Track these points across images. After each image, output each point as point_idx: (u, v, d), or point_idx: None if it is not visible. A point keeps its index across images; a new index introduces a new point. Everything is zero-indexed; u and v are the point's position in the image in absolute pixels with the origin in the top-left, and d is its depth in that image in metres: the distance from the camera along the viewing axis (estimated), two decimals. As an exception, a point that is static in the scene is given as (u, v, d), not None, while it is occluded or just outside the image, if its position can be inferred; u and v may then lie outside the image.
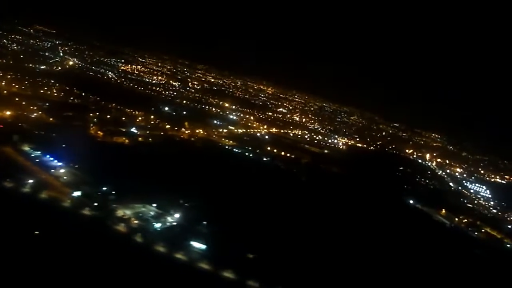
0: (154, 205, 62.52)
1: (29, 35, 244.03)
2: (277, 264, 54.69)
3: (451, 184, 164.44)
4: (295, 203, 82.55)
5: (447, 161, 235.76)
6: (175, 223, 60.25)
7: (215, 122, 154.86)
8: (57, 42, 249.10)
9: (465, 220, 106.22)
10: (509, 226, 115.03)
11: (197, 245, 53.77)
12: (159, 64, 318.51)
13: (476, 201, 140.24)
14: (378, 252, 67.67)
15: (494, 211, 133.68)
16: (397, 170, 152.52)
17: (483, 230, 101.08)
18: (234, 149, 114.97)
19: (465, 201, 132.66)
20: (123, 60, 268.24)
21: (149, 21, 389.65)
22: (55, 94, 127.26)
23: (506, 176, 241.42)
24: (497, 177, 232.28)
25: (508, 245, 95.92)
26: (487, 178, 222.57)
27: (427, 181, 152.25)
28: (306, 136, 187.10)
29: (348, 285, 55.94)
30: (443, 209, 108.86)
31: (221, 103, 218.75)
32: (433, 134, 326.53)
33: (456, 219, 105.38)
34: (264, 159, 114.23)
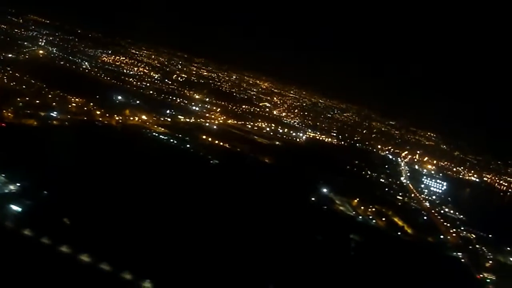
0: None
1: (16, 24, 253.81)
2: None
3: (402, 178, 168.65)
4: (190, 185, 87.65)
5: (426, 159, 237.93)
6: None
7: (168, 112, 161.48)
8: (44, 32, 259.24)
9: (374, 209, 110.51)
10: (424, 217, 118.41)
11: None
12: (152, 56, 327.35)
13: (413, 195, 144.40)
14: (259, 241, 71.27)
15: (427, 204, 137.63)
16: (341, 164, 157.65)
17: (383, 219, 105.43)
18: (160, 136, 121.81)
19: (399, 194, 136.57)
20: (109, 52, 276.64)
21: (156, 14, 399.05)
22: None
23: (487, 176, 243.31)
24: (475, 175, 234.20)
25: (400, 233, 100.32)
26: (460, 176, 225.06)
27: (372, 175, 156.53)
28: (268, 129, 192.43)
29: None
30: (356, 200, 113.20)
31: (195, 95, 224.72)
32: (428, 133, 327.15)
33: (362, 207, 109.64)
34: (188, 145, 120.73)
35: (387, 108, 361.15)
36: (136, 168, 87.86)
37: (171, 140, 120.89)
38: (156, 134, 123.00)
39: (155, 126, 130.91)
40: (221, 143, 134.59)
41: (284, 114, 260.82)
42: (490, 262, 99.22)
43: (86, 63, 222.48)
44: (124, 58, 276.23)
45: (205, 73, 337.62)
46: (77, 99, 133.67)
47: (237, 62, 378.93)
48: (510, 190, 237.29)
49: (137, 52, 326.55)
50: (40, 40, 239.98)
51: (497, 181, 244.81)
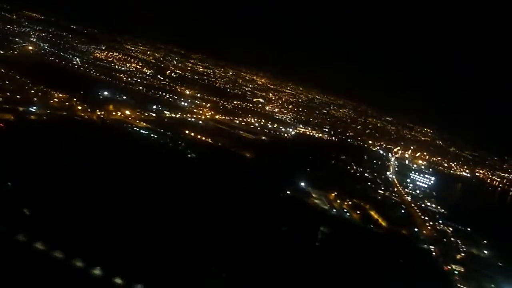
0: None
1: (9, 20, 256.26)
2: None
3: (388, 173, 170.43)
4: (164, 178, 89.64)
5: (418, 154, 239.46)
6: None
7: (154, 107, 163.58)
8: (37, 28, 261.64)
9: (350, 203, 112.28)
10: (402, 211, 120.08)
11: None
12: (148, 52, 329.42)
13: (396, 189, 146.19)
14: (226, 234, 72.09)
15: (409, 198, 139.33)
16: (326, 158, 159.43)
17: (358, 212, 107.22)
18: (141, 130, 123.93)
19: (382, 189, 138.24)
20: (103, 48, 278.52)
21: (156, 10, 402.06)
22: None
23: (480, 171, 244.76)
24: (467, 170, 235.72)
25: (373, 226, 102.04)
26: (451, 172, 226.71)
27: (357, 169, 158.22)
28: (256, 124, 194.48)
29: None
30: (333, 193, 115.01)
31: (186, 91, 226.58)
32: (425, 129, 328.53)
33: (339, 201, 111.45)
34: (168, 140, 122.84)
35: (385, 105, 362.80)
36: (112, 162, 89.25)
37: (151, 135, 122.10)
38: (137, 129, 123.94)
39: (137, 121, 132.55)
40: (203, 138, 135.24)
41: (276, 110, 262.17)
42: (462, 254, 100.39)
43: (77, 59, 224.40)
44: (117, 54, 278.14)
45: (200, 69, 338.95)
46: (60, 95, 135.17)
47: (237, 58, 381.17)
48: (500, 185, 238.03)
49: (133, 48, 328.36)
50: (32, 36, 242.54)
51: (490, 176, 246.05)
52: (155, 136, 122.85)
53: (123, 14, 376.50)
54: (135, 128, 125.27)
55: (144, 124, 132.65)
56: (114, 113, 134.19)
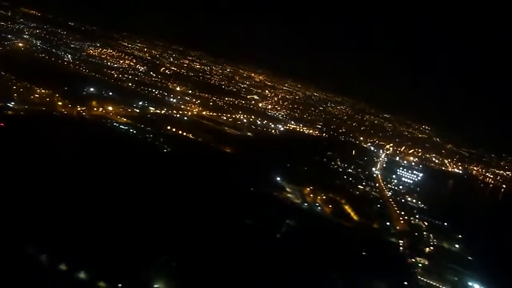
0: None
1: (4, 17, 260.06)
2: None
3: (373, 169, 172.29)
4: (136, 172, 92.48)
5: (411, 151, 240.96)
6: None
7: (140, 103, 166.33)
8: (32, 25, 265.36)
9: (325, 197, 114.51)
10: (378, 205, 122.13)
11: None
12: (145, 49, 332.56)
13: (378, 185, 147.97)
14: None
15: (389, 193, 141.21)
16: (311, 154, 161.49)
17: (330, 206, 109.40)
18: (120, 126, 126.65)
19: (363, 184, 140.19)
20: (98, 44, 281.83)
21: (158, 8, 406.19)
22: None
23: (475, 168, 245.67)
24: (460, 167, 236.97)
25: (342, 220, 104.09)
26: (443, 168, 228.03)
27: (341, 165, 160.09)
28: (245, 121, 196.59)
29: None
30: (309, 188, 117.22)
31: (177, 88, 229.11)
32: (423, 126, 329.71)
33: (312, 195, 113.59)
34: (146, 135, 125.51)
35: (385, 102, 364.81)
36: (83, 156, 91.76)
37: (130, 130, 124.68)
38: (116, 124, 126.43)
39: (118, 117, 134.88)
40: (184, 133, 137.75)
41: (270, 106, 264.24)
42: (431, 248, 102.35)
43: (69, 55, 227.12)
44: (112, 51, 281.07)
45: (197, 66, 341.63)
46: (43, 91, 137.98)
47: (237, 56, 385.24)
48: (492, 182, 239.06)
49: (129, 45, 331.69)
50: (26, 33, 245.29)
51: (483, 173, 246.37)
52: (134, 132, 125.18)
53: (124, 12, 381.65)
54: (114, 124, 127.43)
55: (125, 119, 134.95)
56: (95, 109, 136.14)
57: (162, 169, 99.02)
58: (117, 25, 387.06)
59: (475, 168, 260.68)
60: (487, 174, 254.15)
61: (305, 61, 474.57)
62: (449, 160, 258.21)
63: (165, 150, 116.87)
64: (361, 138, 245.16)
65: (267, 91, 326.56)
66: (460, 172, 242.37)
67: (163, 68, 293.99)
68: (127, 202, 76.36)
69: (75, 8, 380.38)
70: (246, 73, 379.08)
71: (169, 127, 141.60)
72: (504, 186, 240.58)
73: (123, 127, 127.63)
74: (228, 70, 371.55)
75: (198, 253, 68.19)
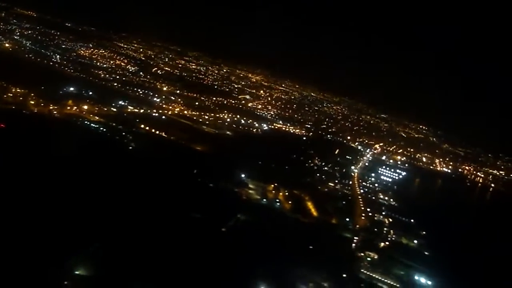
0: None
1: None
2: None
3: (353, 167, 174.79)
4: (96, 169, 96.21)
5: (400, 150, 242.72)
6: None
7: (121, 103, 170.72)
8: (24, 26, 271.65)
9: (287, 193, 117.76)
10: (343, 202, 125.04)
11: None
12: (140, 49, 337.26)
13: (352, 183, 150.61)
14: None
15: (361, 191, 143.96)
16: (289, 152, 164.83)
17: (290, 202, 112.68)
18: (91, 124, 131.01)
19: (335, 182, 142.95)
20: (91, 45, 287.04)
21: (159, 9, 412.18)
22: None
23: (466, 168, 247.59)
24: (450, 167, 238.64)
25: (299, 215, 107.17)
26: (431, 168, 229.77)
27: (317, 163, 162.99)
28: (228, 120, 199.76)
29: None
30: (274, 185, 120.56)
31: (164, 88, 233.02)
32: (420, 126, 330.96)
33: (274, 191, 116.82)
34: (115, 133, 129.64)
35: (385, 103, 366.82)
36: (44, 153, 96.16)
37: (100, 128, 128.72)
38: (87, 123, 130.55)
39: (91, 116, 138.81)
40: (157, 132, 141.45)
41: (260, 106, 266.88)
42: (387, 243, 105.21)
43: (58, 56, 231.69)
44: (105, 51, 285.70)
45: (193, 67, 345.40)
46: (19, 90, 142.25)
47: (237, 56, 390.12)
48: (481, 181, 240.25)
49: (125, 46, 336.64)
50: (16, 33, 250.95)
51: (475, 173, 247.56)
52: (103, 130, 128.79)
53: (124, 13, 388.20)
54: (85, 122, 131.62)
55: (98, 118, 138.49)
56: (69, 108, 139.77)
57: (120, 165, 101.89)
58: (117, 26, 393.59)
59: (466, 167, 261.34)
60: (478, 173, 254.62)
61: (306, 62, 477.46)
62: (441, 159, 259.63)
63: (130, 148, 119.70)
64: (350, 138, 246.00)
65: (261, 91, 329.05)
66: (449, 171, 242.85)
67: (155, 68, 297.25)
68: (77, 196, 79.74)
69: (76, 10, 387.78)
70: (243, 73, 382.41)
71: (142, 126, 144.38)
72: (492, 185, 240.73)
73: (93, 125, 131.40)
74: (224, 70, 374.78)
75: (132, 242, 71.23)
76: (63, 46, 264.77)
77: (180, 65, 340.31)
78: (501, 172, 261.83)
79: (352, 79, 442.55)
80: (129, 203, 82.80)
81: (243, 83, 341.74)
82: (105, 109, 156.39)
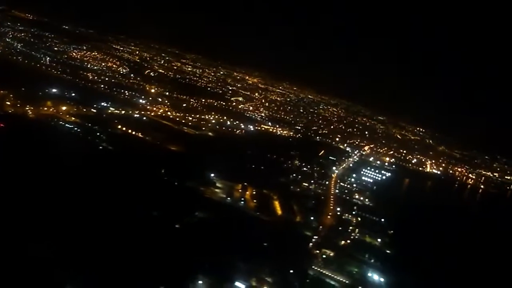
0: None
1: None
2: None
3: (334, 168, 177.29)
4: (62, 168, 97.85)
5: (391, 152, 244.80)
6: None
7: (104, 104, 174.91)
8: (18, 28, 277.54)
9: (255, 193, 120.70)
10: (313, 201, 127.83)
11: None
12: (137, 52, 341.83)
13: (328, 183, 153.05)
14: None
15: (336, 191, 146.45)
16: (270, 153, 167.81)
17: (255, 201, 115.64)
18: (66, 124, 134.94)
19: (311, 182, 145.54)
20: (84, 47, 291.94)
21: (160, 12, 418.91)
22: None
23: (458, 170, 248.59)
24: (440, 168, 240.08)
25: (260, 213, 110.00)
26: (420, 169, 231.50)
27: (297, 164, 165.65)
28: (213, 121, 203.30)
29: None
30: (242, 184, 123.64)
31: (153, 90, 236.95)
32: (417, 128, 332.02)
33: (241, 190, 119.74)
34: (88, 133, 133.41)
35: (385, 105, 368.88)
36: (12, 152, 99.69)
37: (75, 128, 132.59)
38: (62, 123, 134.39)
39: (67, 116, 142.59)
40: (133, 132, 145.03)
41: (252, 108, 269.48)
42: (348, 241, 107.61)
43: (48, 58, 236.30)
44: (98, 53, 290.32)
45: (188, 69, 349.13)
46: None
47: (239, 59, 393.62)
48: (471, 183, 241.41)
49: (121, 48, 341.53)
50: (9, 36, 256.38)
51: (466, 174, 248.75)
52: (78, 130, 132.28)
53: (125, 16, 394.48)
54: (59, 123, 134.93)
55: (73, 119, 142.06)
56: (46, 109, 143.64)
57: (86, 165, 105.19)
58: (117, 29, 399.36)
59: (459, 169, 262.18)
60: (470, 175, 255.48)
61: (305, 64, 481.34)
62: (433, 161, 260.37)
63: (100, 147, 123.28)
64: (341, 139, 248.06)
65: (256, 94, 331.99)
66: (438, 173, 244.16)
67: (149, 70, 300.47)
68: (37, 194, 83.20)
69: (77, 12, 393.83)
70: (241, 75, 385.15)
71: (119, 126, 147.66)
72: (482, 187, 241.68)
73: (67, 125, 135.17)
74: (222, 72, 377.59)
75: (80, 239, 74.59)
76: (55, 49, 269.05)
77: (175, 68, 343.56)
78: (495, 174, 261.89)
79: (352, 81, 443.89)
80: (85, 201, 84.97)
81: (239, 85, 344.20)
82: (84, 110, 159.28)
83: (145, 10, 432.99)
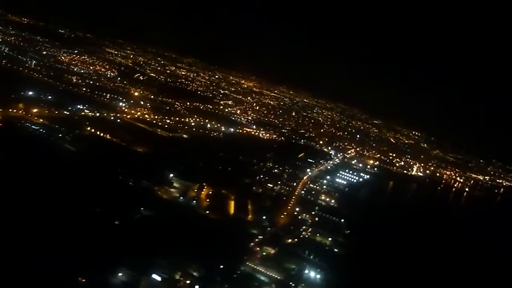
0: None
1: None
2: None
3: (308, 170, 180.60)
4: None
5: (378, 155, 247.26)
6: None
7: (79, 106, 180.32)
8: (9, 32, 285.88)
9: (211, 193, 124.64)
10: (272, 202, 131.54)
11: None
12: (131, 56, 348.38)
13: (296, 184, 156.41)
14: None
15: (302, 192, 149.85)
16: (244, 155, 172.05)
17: (208, 200, 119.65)
18: (32, 126, 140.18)
19: (278, 183, 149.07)
20: (75, 51, 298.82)
21: (161, 17, 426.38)
22: None
23: (447, 173, 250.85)
24: (427, 172, 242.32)
25: (210, 212, 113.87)
26: (404, 172, 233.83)
27: (269, 165, 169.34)
28: (193, 124, 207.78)
29: None
30: (200, 184, 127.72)
31: (136, 93, 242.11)
32: (412, 132, 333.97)
33: (197, 190, 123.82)
34: (54, 135, 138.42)
35: (383, 109, 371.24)
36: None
37: (40, 130, 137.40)
38: (28, 124, 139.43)
39: (36, 118, 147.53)
40: (102, 134, 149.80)
41: (239, 112, 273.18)
42: (296, 240, 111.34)
43: (34, 61, 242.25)
44: (87, 57, 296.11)
45: (182, 73, 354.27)
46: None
47: (237, 64, 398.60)
48: (457, 186, 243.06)
49: (115, 52, 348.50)
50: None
51: (454, 177, 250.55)
52: (42, 131, 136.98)
53: (125, 19, 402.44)
54: (26, 124, 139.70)
55: (42, 120, 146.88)
56: (15, 111, 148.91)
57: (44, 165, 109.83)
58: (115, 33, 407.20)
59: (448, 172, 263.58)
60: (458, 178, 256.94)
61: (304, 68, 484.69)
62: (422, 164, 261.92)
63: (60, 148, 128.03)
64: (326, 142, 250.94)
65: (249, 97, 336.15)
66: (423, 176, 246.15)
67: (138, 74, 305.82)
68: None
69: (76, 16, 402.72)
70: (237, 79, 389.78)
71: (88, 128, 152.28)
72: (467, 190, 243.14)
73: (34, 127, 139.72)
74: (216, 76, 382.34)
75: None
76: (44, 52, 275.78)
77: (168, 72, 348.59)
78: (486, 177, 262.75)
79: (350, 85, 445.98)
80: (28, 198, 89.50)
81: (232, 89, 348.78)
82: (56, 112, 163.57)
83: (144, 14, 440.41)
